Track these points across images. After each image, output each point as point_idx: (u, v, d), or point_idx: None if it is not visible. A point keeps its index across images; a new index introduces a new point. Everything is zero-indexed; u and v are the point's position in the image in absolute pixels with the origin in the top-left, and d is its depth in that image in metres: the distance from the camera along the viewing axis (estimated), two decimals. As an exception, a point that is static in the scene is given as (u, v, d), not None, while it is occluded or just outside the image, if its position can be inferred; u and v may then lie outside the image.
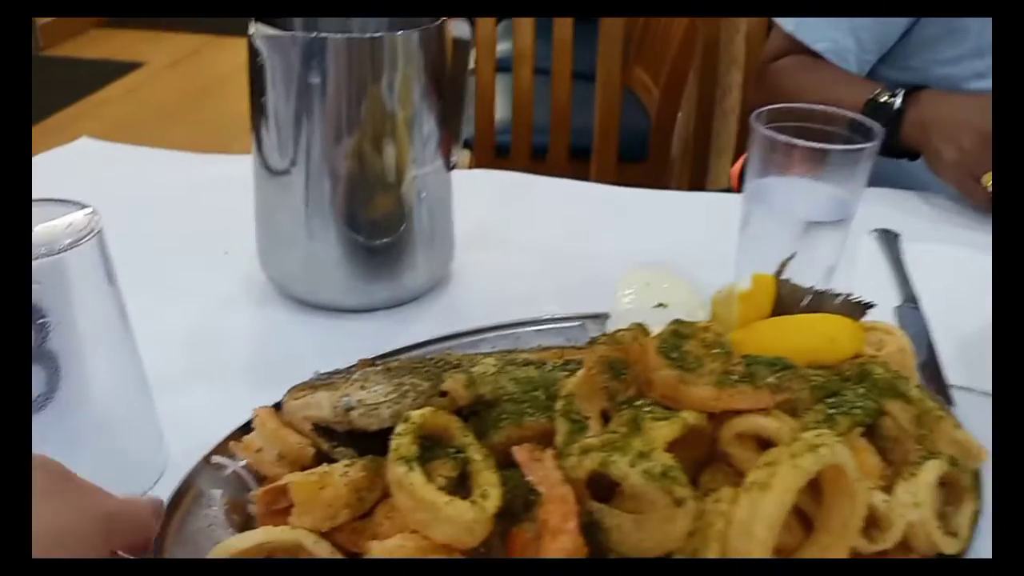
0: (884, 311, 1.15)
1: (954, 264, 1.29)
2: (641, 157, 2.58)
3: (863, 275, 1.25)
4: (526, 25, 2.22)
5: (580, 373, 0.72)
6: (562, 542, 0.58)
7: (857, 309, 0.89)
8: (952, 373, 0.99)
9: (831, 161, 1.03)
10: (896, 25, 1.60)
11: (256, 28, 1.01)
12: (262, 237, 1.17)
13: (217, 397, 0.95)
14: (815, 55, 1.64)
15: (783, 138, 1.04)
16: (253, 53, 1.02)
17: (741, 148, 2.20)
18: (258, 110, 1.07)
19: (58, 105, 5.16)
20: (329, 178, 1.08)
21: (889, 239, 1.34)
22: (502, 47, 2.44)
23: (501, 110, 2.37)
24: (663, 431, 0.65)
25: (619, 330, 0.76)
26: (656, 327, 0.75)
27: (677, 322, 0.74)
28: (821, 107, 1.09)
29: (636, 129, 2.65)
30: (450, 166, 1.20)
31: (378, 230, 1.12)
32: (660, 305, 0.97)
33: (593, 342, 0.78)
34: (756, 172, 1.08)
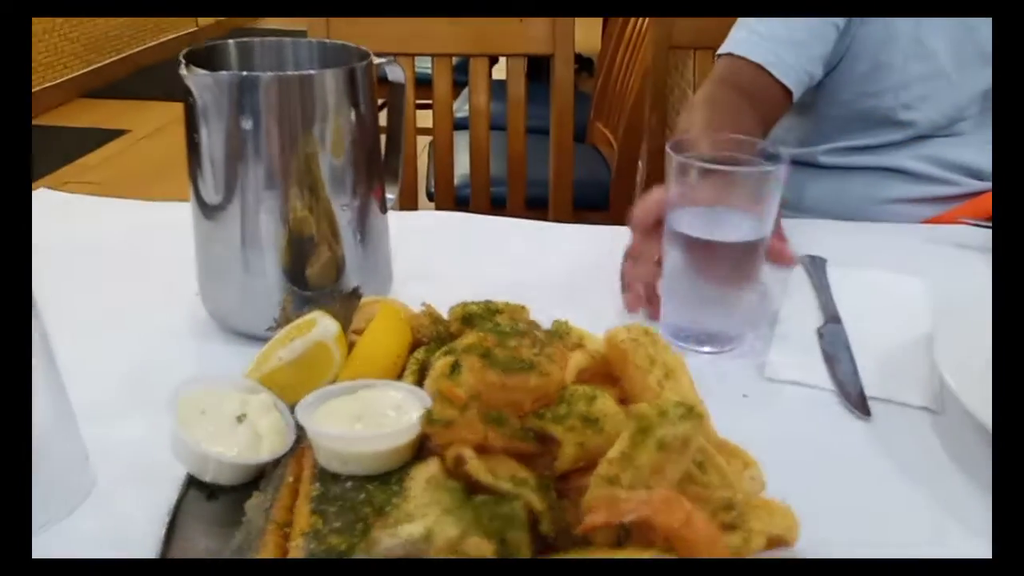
0: (809, 331, 1.20)
1: (875, 286, 1.34)
2: (603, 207, 2.75)
3: (792, 298, 1.30)
4: (481, 84, 2.35)
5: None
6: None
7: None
8: (870, 386, 1.08)
9: (741, 184, 1.08)
10: (826, 63, 1.68)
11: (187, 69, 1.06)
12: (202, 272, 1.20)
13: (151, 426, 0.95)
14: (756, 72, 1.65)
15: (697, 164, 1.08)
16: (186, 92, 1.07)
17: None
18: (192, 148, 1.12)
19: (42, 172, 5.26)
20: (262, 215, 1.11)
21: (816, 264, 1.38)
22: (462, 110, 2.66)
23: (461, 165, 2.47)
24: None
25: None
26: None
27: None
28: (732, 135, 1.14)
29: (597, 180, 2.88)
30: (386, 205, 1.25)
31: (312, 266, 1.15)
32: None
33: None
34: (672, 202, 1.12)
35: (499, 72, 2.62)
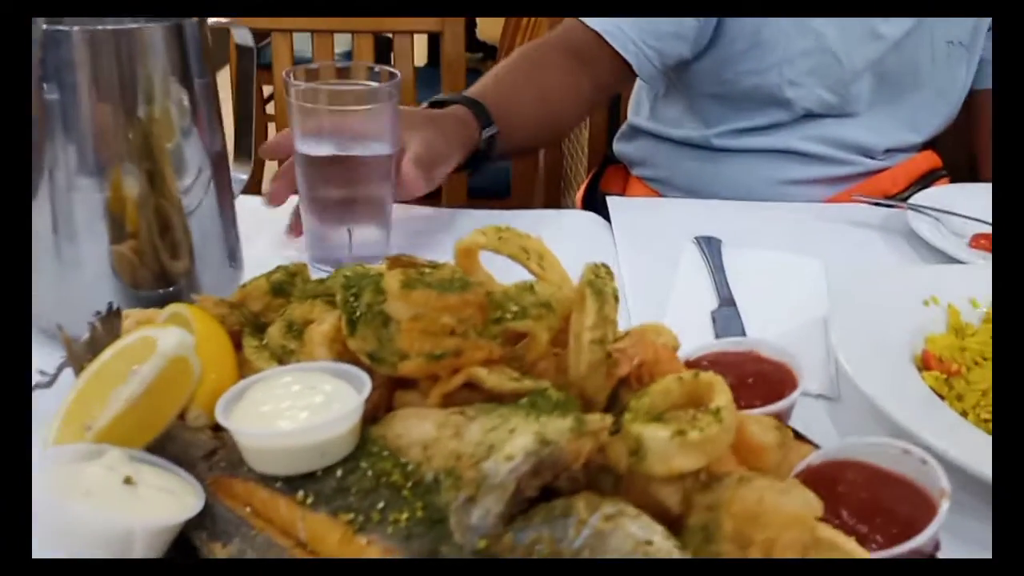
0: (704, 314, 1.12)
1: (771, 268, 1.30)
2: (504, 195, 2.67)
3: (686, 280, 1.22)
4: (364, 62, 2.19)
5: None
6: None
7: None
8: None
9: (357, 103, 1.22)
10: (684, 41, 1.63)
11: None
12: None
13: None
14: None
15: (303, 86, 1.21)
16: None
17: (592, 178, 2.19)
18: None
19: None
20: (76, 197, 0.98)
21: (711, 245, 1.31)
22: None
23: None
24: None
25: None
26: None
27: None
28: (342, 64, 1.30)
29: (496, 167, 2.84)
30: (235, 188, 1.13)
31: (141, 259, 1.01)
32: None
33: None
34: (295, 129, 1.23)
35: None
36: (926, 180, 1.69)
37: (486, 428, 0.72)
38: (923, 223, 1.36)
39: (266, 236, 1.36)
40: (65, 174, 0.95)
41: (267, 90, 2.97)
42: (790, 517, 0.69)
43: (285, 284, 0.97)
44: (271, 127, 2.69)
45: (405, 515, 0.70)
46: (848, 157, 1.69)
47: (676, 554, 0.62)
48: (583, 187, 2.00)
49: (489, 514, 0.67)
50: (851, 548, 0.69)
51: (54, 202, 0.97)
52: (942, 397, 0.97)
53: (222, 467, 0.80)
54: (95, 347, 0.88)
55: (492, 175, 2.68)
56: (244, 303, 0.97)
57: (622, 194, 1.83)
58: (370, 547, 0.69)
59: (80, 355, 0.88)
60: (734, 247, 1.34)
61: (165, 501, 0.73)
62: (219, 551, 0.73)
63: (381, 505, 0.71)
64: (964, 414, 0.95)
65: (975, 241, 1.35)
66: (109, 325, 0.89)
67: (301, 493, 0.74)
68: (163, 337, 0.79)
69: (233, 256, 1.16)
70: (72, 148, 0.94)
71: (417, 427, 0.78)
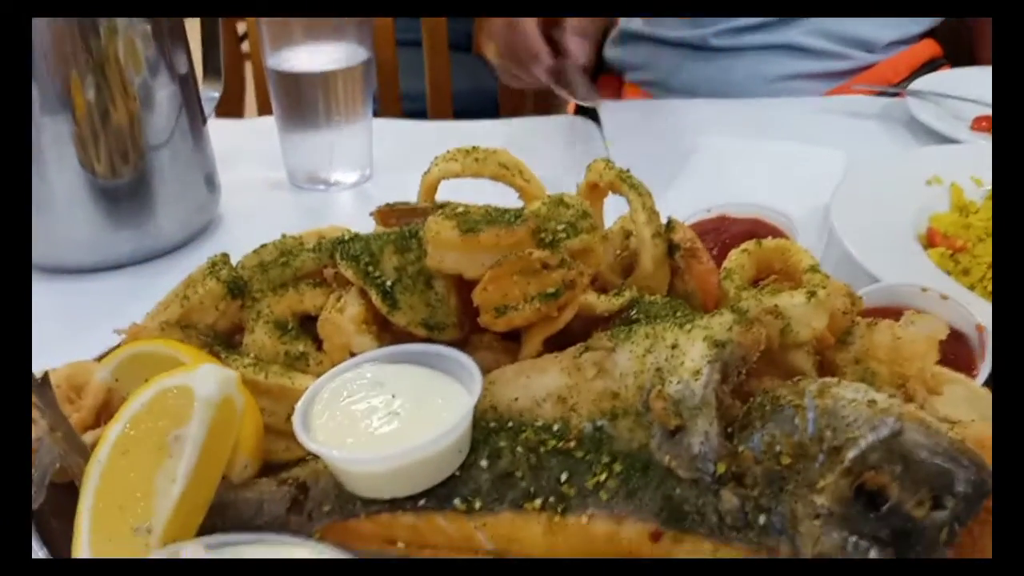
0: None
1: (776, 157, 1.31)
2: (493, 115, 2.47)
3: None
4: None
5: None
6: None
7: None
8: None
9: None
10: None
11: None
12: None
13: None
14: None
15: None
16: None
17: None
18: None
19: None
20: (43, 107, 0.97)
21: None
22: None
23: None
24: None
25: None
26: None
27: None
28: None
29: (484, 88, 2.49)
30: (206, 109, 1.11)
31: (109, 167, 1.03)
32: None
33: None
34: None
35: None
36: (927, 68, 1.64)
37: (637, 355, 0.65)
38: (924, 109, 1.36)
39: (245, 160, 1.33)
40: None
41: (241, 28, 2.39)
42: (928, 340, 0.72)
43: (268, 264, 0.78)
44: (247, 66, 2.17)
45: (602, 476, 0.61)
46: (848, 52, 1.64)
47: (897, 404, 0.61)
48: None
49: (709, 436, 0.61)
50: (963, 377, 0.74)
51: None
52: (948, 273, 0.96)
53: (326, 512, 0.63)
54: (44, 453, 0.63)
55: (480, 97, 2.34)
56: (187, 318, 0.76)
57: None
58: (594, 523, 0.60)
59: (43, 464, 0.63)
60: (738, 139, 1.33)
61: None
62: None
63: (564, 477, 0.62)
64: (971, 288, 0.95)
65: (976, 124, 1.35)
66: (44, 395, 0.64)
67: (457, 501, 0.62)
68: (200, 382, 0.59)
69: (210, 180, 1.16)
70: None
71: (537, 382, 0.68)
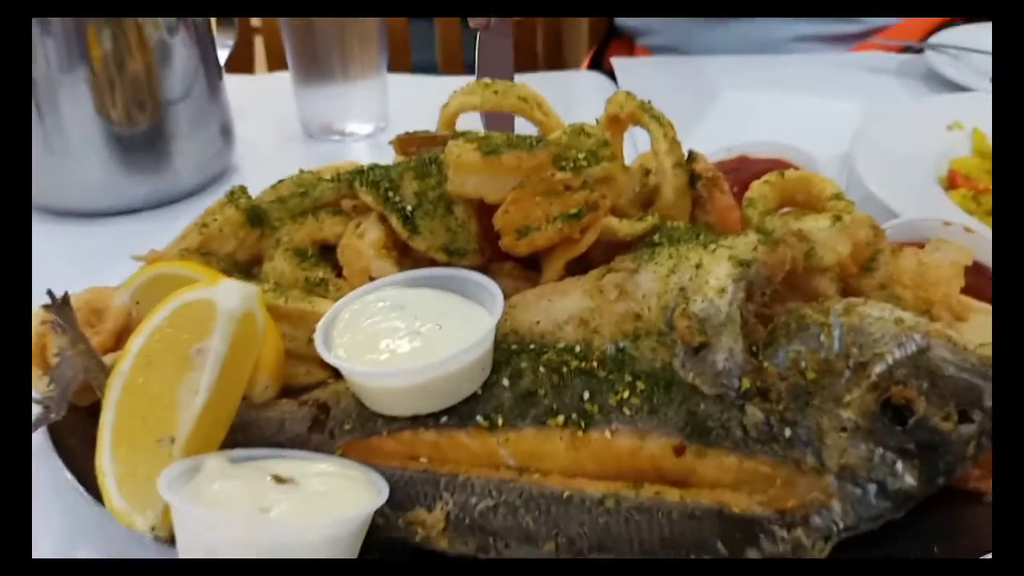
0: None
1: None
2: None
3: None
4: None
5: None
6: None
7: None
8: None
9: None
10: None
11: None
12: None
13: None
14: None
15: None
16: None
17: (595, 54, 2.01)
18: None
19: None
20: (61, 57, 0.98)
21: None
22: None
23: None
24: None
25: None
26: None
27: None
28: None
29: None
30: (215, 52, 1.11)
31: (126, 116, 1.03)
32: None
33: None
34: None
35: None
36: (945, 25, 1.57)
37: (660, 275, 0.64)
38: (943, 62, 1.35)
39: (258, 113, 1.33)
40: (42, 47, 0.96)
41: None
42: (953, 266, 0.71)
43: (263, 213, 0.77)
44: (257, 41, 2.15)
45: (625, 393, 0.61)
46: None
47: (924, 322, 0.61)
48: (586, 63, 1.80)
49: (734, 353, 0.60)
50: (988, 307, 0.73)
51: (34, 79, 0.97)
52: (970, 214, 0.95)
53: (347, 430, 0.63)
54: (65, 367, 0.63)
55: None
56: (207, 246, 0.76)
57: None
58: (617, 437, 0.59)
59: (63, 377, 0.63)
60: (755, 93, 1.32)
61: (344, 486, 0.57)
62: (428, 517, 0.58)
63: (586, 395, 0.61)
64: None
65: None
66: (64, 314, 0.64)
67: (480, 418, 0.61)
68: (223, 296, 0.59)
69: (225, 129, 1.16)
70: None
71: (559, 305, 0.67)
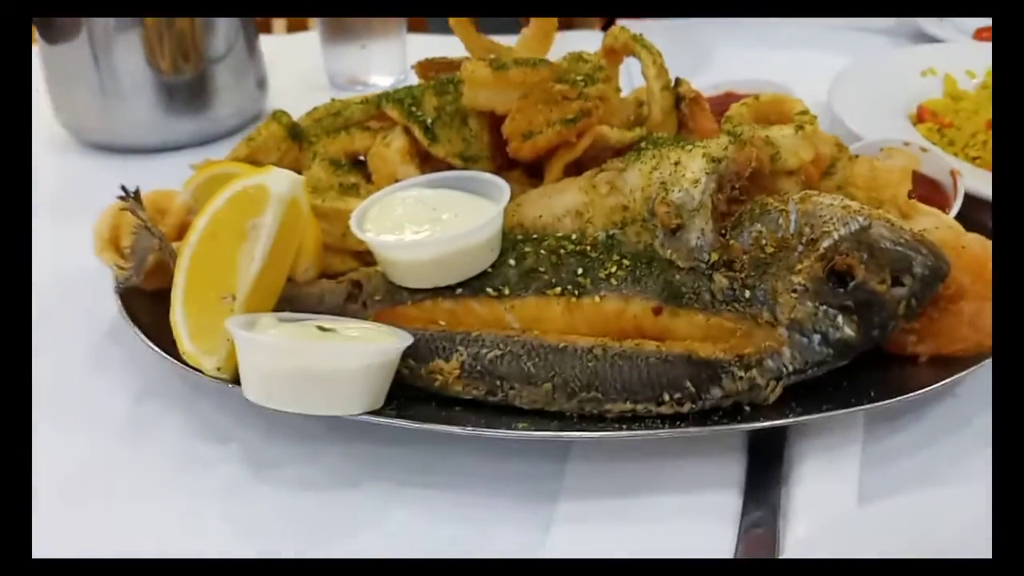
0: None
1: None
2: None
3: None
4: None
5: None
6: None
7: None
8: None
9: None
10: None
11: None
12: (51, 82, 1.19)
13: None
14: None
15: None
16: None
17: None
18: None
19: None
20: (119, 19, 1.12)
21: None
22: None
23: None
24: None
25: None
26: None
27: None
28: None
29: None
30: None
31: (171, 60, 1.15)
32: None
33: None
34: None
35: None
36: None
37: (644, 172, 0.75)
38: (929, 21, 1.41)
39: (287, 68, 1.42)
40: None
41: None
42: (902, 170, 0.82)
43: (301, 131, 0.88)
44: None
45: (612, 268, 0.72)
46: None
47: (867, 208, 0.71)
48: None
49: (704, 233, 0.71)
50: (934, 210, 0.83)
51: (92, 31, 1.13)
52: (934, 143, 1.02)
53: (378, 301, 0.75)
54: (141, 241, 0.75)
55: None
56: (253, 156, 0.87)
57: None
58: (605, 301, 0.70)
59: (140, 249, 0.75)
60: (748, 50, 1.43)
61: (375, 335, 0.68)
62: (446, 366, 0.69)
63: (580, 271, 0.72)
64: (955, 155, 1.01)
65: (978, 34, 1.39)
66: (136, 203, 0.75)
67: (489, 290, 0.73)
68: (274, 181, 0.70)
69: (260, 77, 1.28)
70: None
71: (558, 201, 0.78)
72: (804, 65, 1.41)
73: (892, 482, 0.67)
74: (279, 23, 2.07)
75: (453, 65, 0.88)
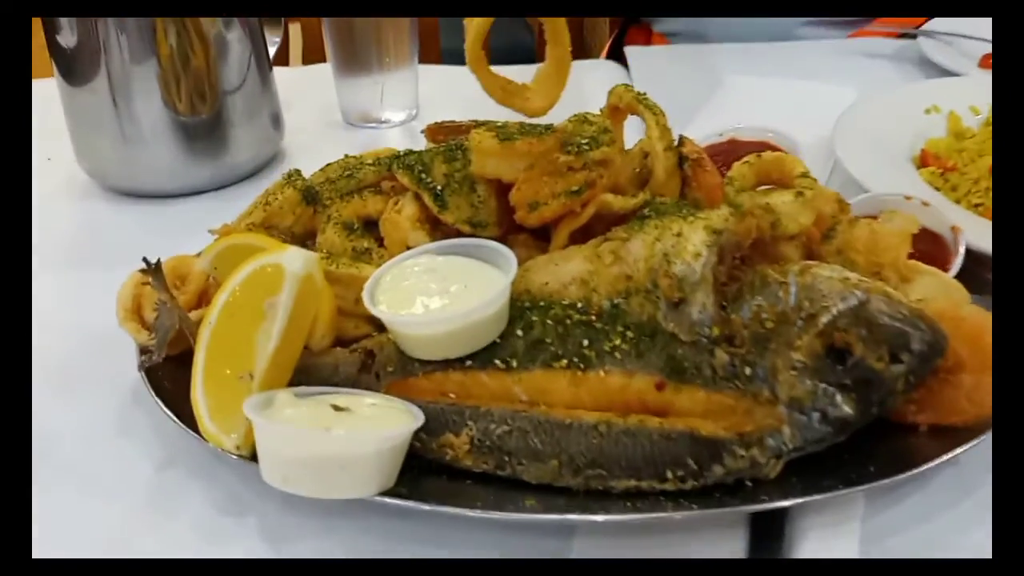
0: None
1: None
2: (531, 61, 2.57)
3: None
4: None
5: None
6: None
7: None
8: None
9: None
10: None
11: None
12: (74, 130, 1.23)
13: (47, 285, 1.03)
14: None
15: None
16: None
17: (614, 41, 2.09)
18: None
19: None
20: (132, 55, 1.14)
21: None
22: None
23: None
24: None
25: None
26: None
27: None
28: None
29: (523, 45, 2.79)
30: (266, 47, 1.26)
31: (190, 106, 1.18)
32: None
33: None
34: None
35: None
36: None
37: (648, 243, 0.77)
38: (935, 48, 1.43)
39: (301, 103, 1.47)
40: (117, 46, 1.14)
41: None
42: (901, 233, 0.83)
43: (316, 193, 0.91)
44: (293, 34, 2.33)
45: (616, 341, 0.74)
46: None
47: (866, 281, 0.73)
48: (605, 50, 1.95)
49: (706, 307, 0.73)
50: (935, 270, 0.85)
51: (111, 75, 1.16)
52: (937, 189, 1.04)
53: (391, 372, 0.77)
54: (163, 318, 0.78)
55: (515, 51, 2.45)
56: (269, 221, 0.90)
57: None
58: (609, 376, 0.72)
59: (163, 327, 0.77)
60: (758, 78, 1.44)
61: (389, 414, 0.71)
62: (456, 441, 0.72)
63: (585, 343, 0.74)
64: (957, 202, 1.03)
65: (983, 61, 1.40)
66: (157, 276, 0.78)
67: (498, 362, 0.75)
68: (288, 259, 0.73)
69: (275, 117, 1.31)
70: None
71: (564, 269, 0.80)
72: (812, 95, 1.42)
73: (893, 555, 0.69)
74: (295, 54, 2.10)
75: (462, 129, 0.90)
